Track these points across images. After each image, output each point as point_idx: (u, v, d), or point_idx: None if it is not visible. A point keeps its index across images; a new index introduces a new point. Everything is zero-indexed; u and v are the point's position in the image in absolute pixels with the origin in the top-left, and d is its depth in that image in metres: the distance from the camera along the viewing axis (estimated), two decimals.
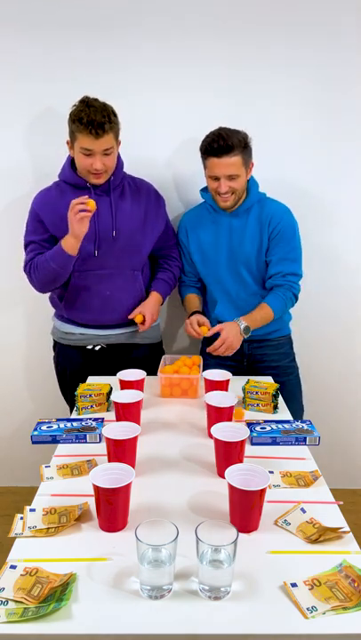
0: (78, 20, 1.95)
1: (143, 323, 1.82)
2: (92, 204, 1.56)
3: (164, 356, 1.80)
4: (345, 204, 2.15)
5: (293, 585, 0.86)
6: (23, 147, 2.10)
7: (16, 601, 0.83)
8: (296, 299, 1.85)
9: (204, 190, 1.91)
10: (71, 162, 1.76)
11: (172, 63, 2.00)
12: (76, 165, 1.73)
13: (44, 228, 1.77)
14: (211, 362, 1.93)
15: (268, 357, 1.95)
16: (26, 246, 1.81)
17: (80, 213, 1.57)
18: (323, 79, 2.01)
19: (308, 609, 0.81)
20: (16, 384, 2.40)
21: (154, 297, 1.88)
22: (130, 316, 1.83)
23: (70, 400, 1.98)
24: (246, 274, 1.85)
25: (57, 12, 1.95)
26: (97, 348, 1.89)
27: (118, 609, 0.82)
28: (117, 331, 1.89)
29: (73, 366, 1.92)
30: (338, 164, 2.11)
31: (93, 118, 1.56)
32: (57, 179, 1.82)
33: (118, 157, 1.76)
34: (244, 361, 1.96)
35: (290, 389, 1.95)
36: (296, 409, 1.96)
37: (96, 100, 1.62)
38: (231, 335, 1.70)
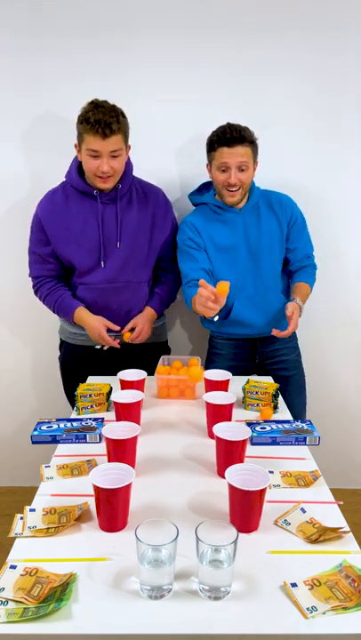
0: (78, 25, 1.95)
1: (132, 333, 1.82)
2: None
3: (162, 357, 1.79)
4: (345, 203, 2.15)
5: (293, 585, 0.86)
6: (22, 152, 2.10)
7: (16, 601, 0.83)
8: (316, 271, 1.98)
9: (197, 193, 1.91)
10: (78, 166, 1.74)
11: (173, 65, 1.99)
12: (83, 170, 1.71)
13: (47, 239, 1.77)
14: (223, 362, 1.93)
15: (279, 352, 1.96)
16: (30, 253, 1.83)
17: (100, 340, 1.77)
18: (323, 79, 2.01)
19: (308, 609, 0.81)
20: (18, 384, 2.40)
21: (148, 312, 1.86)
22: (123, 331, 1.82)
23: (73, 400, 1.97)
24: (267, 267, 1.85)
25: (56, 19, 1.95)
26: (105, 347, 1.89)
27: (118, 609, 0.82)
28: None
29: (79, 365, 1.91)
30: (338, 163, 2.11)
31: (101, 118, 1.54)
32: (57, 183, 1.81)
33: (128, 163, 1.74)
34: (257, 358, 1.97)
35: (297, 383, 1.97)
36: (302, 403, 1.99)
37: (105, 101, 1.60)
38: (298, 318, 1.73)
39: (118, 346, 1.80)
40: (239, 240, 1.84)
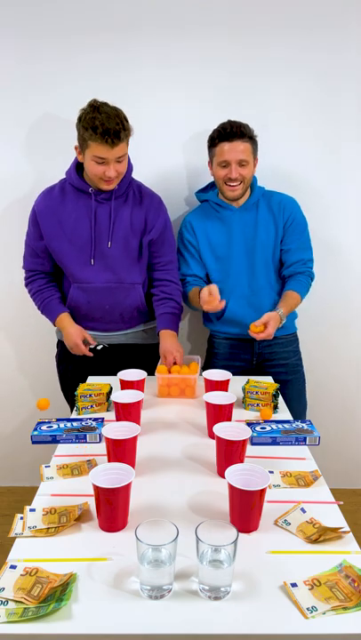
0: (78, 24, 1.96)
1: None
2: None
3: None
4: (347, 202, 2.16)
5: (293, 585, 0.86)
6: (22, 152, 2.10)
7: (16, 601, 0.83)
8: (312, 282, 1.91)
9: (203, 191, 1.91)
10: (76, 165, 1.74)
11: (173, 65, 2.00)
12: (82, 169, 1.71)
13: (39, 234, 1.78)
14: (221, 362, 1.93)
15: (277, 355, 1.96)
16: (25, 245, 1.86)
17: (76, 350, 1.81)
18: (323, 78, 2.01)
19: (308, 609, 0.81)
20: (17, 383, 2.40)
21: (170, 336, 1.77)
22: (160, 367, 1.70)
23: (71, 400, 1.98)
24: (262, 266, 1.86)
25: (58, 18, 1.95)
26: (99, 347, 1.89)
27: (118, 609, 0.82)
28: (121, 332, 1.90)
29: (75, 365, 1.92)
30: (338, 161, 2.11)
31: (108, 127, 1.51)
32: (57, 180, 1.82)
33: (128, 162, 1.73)
34: (254, 360, 1.96)
35: (296, 387, 1.96)
36: (302, 406, 1.99)
37: (106, 104, 1.56)
38: (274, 329, 1.69)
39: (91, 354, 1.83)
40: (235, 238, 1.85)
